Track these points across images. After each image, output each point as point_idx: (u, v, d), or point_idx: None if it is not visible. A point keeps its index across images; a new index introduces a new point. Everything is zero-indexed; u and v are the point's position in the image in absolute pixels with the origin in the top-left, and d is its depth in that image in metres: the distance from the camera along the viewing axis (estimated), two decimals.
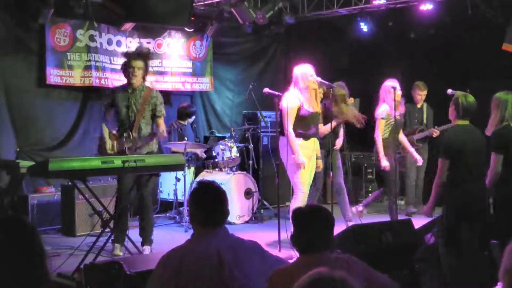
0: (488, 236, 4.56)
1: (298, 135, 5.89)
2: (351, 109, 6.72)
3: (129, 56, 5.81)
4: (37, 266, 1.94)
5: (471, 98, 4.66)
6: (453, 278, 4.47)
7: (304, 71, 5.95)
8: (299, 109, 5.86)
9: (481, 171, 4.61)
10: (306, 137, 5.94)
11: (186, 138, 7.57)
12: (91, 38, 7.68)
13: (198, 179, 7.54)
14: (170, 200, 7.80)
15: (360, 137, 9.89)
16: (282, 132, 5.99)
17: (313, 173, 6.07)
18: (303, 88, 5.89)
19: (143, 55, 5.83)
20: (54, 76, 7.38)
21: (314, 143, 6.06)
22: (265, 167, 8.40)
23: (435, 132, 7.69)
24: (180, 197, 7.53)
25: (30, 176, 6.64)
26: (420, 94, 7.87)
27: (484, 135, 4.70)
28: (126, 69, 5.76)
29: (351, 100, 6.86)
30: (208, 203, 2.76)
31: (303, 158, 5.83)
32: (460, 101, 4.62)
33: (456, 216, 4.56)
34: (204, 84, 8.86)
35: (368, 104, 10.14)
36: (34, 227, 2.02)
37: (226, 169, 7.68)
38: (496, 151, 4.49)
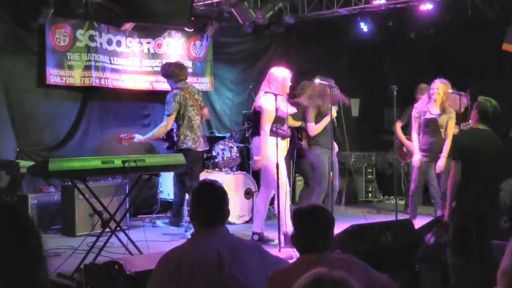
0: (490, 237, 4.56)
1: (276, 134, 6.03)
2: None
3: None
4: (34, 265, 1.77)
5: (494, 103, 4.59)
6: (458, 280, 4.45)
7: (285, 76, 6.17)
8: (276, 110, 6.02)
9: (493, 175, 4.59)
10: (283, 137, 6.14)
11: None
12: (91, 38, 7.68)
13: None
14: (170, 200, 7.79)
15: (361, 137, 9.92)
16: (255, 132, 6.21)
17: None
18: (280, 91, 6.05)
19: None
20: (54, 76, 7.37)
21: (287, 143, 6.33)
22: None
23: None
24: None
25: (30, 176, 6.64)
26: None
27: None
28: None
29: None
30: (208, 202, 2.76)
31: (260, 163, 6.09)
32: (484, 107, 4.58)
33: (465, 218, 4.54)
34: (204, 84, 8.85)
35: (369, 103, 10.19)
36: (31, 221, 1.84)
37: (226, 169, 7.68)
38: None
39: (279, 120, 6.07)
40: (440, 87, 6.60)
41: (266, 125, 6.07)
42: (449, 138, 6.56)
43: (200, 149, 6.77)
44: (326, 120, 6.45)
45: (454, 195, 4.57)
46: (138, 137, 6.64)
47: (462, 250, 4.51)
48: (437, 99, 6.61)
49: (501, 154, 4.61)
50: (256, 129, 6.23)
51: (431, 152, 6.70)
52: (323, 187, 6.56)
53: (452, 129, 6.64)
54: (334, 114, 6.44)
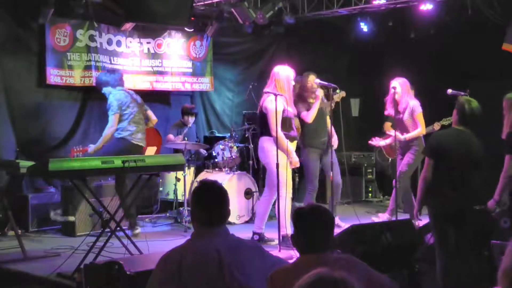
0: (488, 237, 4.55)
1: (287, 136, 5.98)
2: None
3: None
4: None
5: (474, 104, 4.52)
6: (445, 281, 4.43)
7: (288, 75, 6.09)
8: (283, 111, 5.95)
9: (469, 176, 4.47)
10: (291, 139, 6.09)
11: (186, 138, 7.58)
12: (91, 38, 7.68)
13: (198, 179, 7.55)
14: (170, 200, 7.80)
15: (361, 137, 9.91)
16: (263, 132, 6.11)
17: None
18: (285, 90, 5.99)
19: None
20: (54, 76, 7.38)
21: (295, 146, 6.28)
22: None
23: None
24: (180, 197, 7.53)
25: (30, 176, 6.64)
26: None
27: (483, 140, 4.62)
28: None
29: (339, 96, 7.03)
30: (209, 202, 2.76)
31: (297, 158, 6.02)
32: (462, 107, 4.53)
33: (438, 219, 4.50)
34: (204, 84, 8.86)
35: (369, 103, 10.18)
36: None
37: (226, 169, 7.68)
38: None
39: (287, 121, 5.99)
40: (396, 85, 6.82)
41: (276, 126, 5.89)
42: (419, 127, 6.80)
43: (135, 142, 6.62)
44: (317, 104, 6.58)
45: (422, 192, 4.53)
46: (91, 147, 6.52)
47: (440, 250, 4.48)
48: (397, 98, 6.83)
49: (480, 156, 4.48)
50: (263, 131, 6.08)
51: (402, 149, 7.00)
52: (314, 185, 6.78)
53: (421, 120, 6.82)
54: (339, 98, 6.61)
